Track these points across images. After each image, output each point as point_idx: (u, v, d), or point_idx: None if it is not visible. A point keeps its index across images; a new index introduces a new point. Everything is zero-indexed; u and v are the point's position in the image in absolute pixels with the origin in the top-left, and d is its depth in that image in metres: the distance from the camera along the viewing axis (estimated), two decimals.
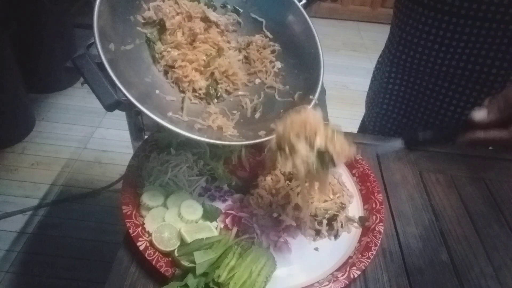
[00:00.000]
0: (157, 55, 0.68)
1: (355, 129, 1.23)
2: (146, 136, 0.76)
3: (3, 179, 1.87)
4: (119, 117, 2.15)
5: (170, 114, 0.62)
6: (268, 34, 0.76)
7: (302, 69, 0.73)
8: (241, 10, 0.76)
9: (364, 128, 1.12)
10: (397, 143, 0.61)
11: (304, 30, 0.74)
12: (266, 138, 0.63)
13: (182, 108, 0.66)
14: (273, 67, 0.75)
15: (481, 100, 0.86)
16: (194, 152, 0.72)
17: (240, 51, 0.75)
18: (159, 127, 0.57)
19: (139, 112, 0.55)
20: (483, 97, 0.86)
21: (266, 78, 0.74)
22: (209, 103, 0.70)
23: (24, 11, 2.07)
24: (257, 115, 0.70)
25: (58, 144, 2.08)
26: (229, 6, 0.75)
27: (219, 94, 0.71)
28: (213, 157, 0.73)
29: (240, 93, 0.73)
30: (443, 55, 0.84)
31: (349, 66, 2.95)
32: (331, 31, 3.36)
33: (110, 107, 0.55)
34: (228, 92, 0.72)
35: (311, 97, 0.68)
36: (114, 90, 0.55)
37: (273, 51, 0.75)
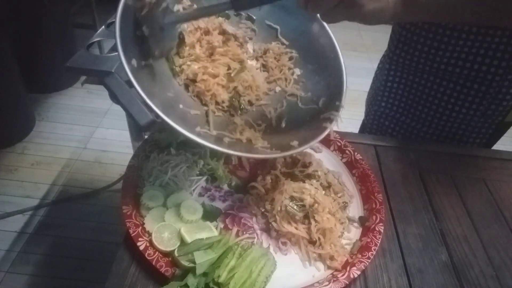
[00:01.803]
0: (176, 69, 0.66)
1: (355, 129, 1.22)
2: (146, 136, 0.75)
3: (3, 179, 1.87)
4: (119, 117, 2.14)
5: (198, 129, 0.61)
6: (284, 40, 0.74)
7: (322, 74, 0.72)
8: (255, 18, 0.74)
9: (364, 128, 1.12)
10: None
11: (322, 35, 0.72)
12: (301, 149, 0.61)
13: (207, 122, 0.64)
14: (292, 74, 0.73)
15: (479, 98, 0.87)
16: (194, 152, 0.72)
17: (257, 60, 0.74)
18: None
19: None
20: (480, 96, 0.86)
21: (286, 86, 0.72)
22: (232, 115, 0.68)
23: (24, 11, 2.06)
24: (283, 125, 0.69)
25: (58, 144, 2.08)
26: (243, 14, 0.74)
27: (242, 106, 0.69)
28: (213, 157, 0.73)
29: (262, 102, 0.71)
30: (442, 53, 0.84)
31: (349, 66, 2.90)
32: (331, 31, 3.36)
33: (145, 127, 0.53)
34: (250, 103, 0.70)
35: (337, 103, 0.66)
36: (149, 110, 0.53)
37: (290, 58, 0.74)
